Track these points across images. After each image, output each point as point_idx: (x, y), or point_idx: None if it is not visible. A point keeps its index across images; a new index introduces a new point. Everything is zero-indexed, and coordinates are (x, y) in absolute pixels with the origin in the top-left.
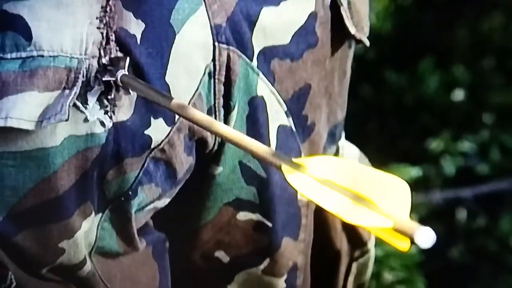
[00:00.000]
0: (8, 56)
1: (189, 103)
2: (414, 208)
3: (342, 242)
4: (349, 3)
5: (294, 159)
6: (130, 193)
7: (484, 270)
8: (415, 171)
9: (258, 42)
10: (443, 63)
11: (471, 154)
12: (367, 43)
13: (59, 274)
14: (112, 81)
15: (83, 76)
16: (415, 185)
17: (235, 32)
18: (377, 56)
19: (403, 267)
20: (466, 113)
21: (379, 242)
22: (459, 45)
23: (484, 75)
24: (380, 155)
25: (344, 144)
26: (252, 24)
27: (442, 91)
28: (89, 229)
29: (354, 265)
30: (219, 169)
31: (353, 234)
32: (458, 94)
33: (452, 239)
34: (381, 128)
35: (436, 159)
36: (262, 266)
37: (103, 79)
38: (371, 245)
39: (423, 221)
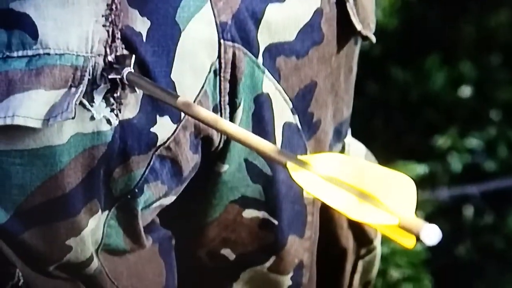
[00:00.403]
0: (15, 54)
1: (194, 101)
2: (420, 205)
3: (348, 240)
4: (355, 0)
5: (299, 157)
6: (136, 190)
7: (491, 267)
8: (421, 168)
9: (264, 39)
10: (449, 59)
11: (478, 151)
12: (373, 39)
13: (66, 271)
14: (118, 79)
15: (89, 74)
16: (422, 182)
17: (240, 29)
18: (383, 52)
19: (409, 264)
20: (473, 110)
21: (385, 240)
22: (465, 41)
23: (490, 71)
24: (386, 152)
25: (350, 141)
26: (257, 21)
27: (448, 87)
28: (95, 227)
29: (360, 263)
30: (225, 167)
31: (359, 232)
32: (465, 90)
33: (459, 237)
34: (387, 125)
35: (442, 156)
36: (267, 264)
37: (109, 77)
38: (377, 242)
39: (429, 218)
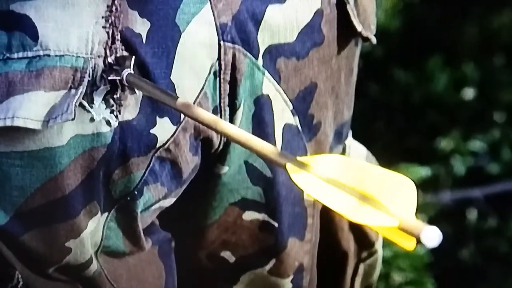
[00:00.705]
0: (15, 56)
1: (194, 102)
2: (423, 209)
3: (349, 243)
4: (355, 1)
5: (299, 158)
6: (136, 192)
7: (495, 271)
8: (424, 171)
9: (264, 41)
10: (452, 60)
11: (482, 154)
12: (374, 41)
13: (66, 273)
14: (118, 81)
15: (89, 76)
16: (424, 185)
17: (240, 30)
18: (385, 54)
19: (412, 268)
20: (476, 112)
21: (387, 243)
22: (468, 43)
23: (494, 72)
24: (388, 154)
25: (351, 143)
26: (257, 22)
27: (451, 89)
28: (95, 229)
29: (361, 266)
30: (225, 169)
31: (361, 235)
32: (468, 92)
33: (462, 240)
34: (389, 127)
35: (446, 159)
36: (268, 267)
37: (109, 78)
38: (378, 246)
39: (432, 221)
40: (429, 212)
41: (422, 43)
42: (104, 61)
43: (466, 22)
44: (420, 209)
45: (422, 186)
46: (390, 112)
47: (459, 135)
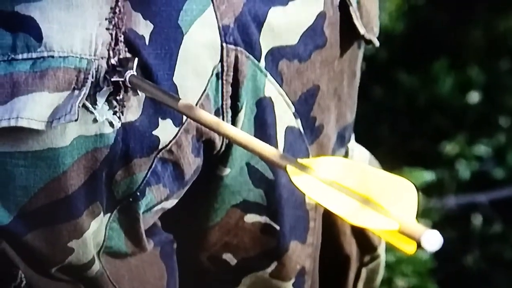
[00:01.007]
0: (19, 56)
1: (196, 104)
2: (427, 214)
3: (351, 247)
4: (358, 3)
5: (301, 160)
6: (138, 193)
7: (499, 277)
8: (428, 175)
9: (266, 43)
10: (457, 63)
11: (487, 158)
12: (377, 43)
13: (68, 273)
14: (120, 82)
15: (92, 77)
16: (429, 190)
17: (243, 32)
18: (389, 56)
19: (415, 273)
20: (481, 116)
21: (391, 248)
22: (473, 46)
23: (499, 76)
24: (392, 158)
25: (353, 146)
26: (260, 24)
27: (456, 92)
28: (97, 229)
29: (364, 271)
30: (227, 171)
31: (363, 239)
32: (473, 96)
33: (467, 246)
34: (393, 130)
35: (450, 163)
36: (269, 270)
37: (112, 79)
38: (381, 250)
39: (436, 226)
40: (433, 217)
41: (427, 46)
42: (107, 63)
43: (471, 25)
44: (425, 214)
45: (427, 190)
46: (394, 115)
47: (464, 139)
